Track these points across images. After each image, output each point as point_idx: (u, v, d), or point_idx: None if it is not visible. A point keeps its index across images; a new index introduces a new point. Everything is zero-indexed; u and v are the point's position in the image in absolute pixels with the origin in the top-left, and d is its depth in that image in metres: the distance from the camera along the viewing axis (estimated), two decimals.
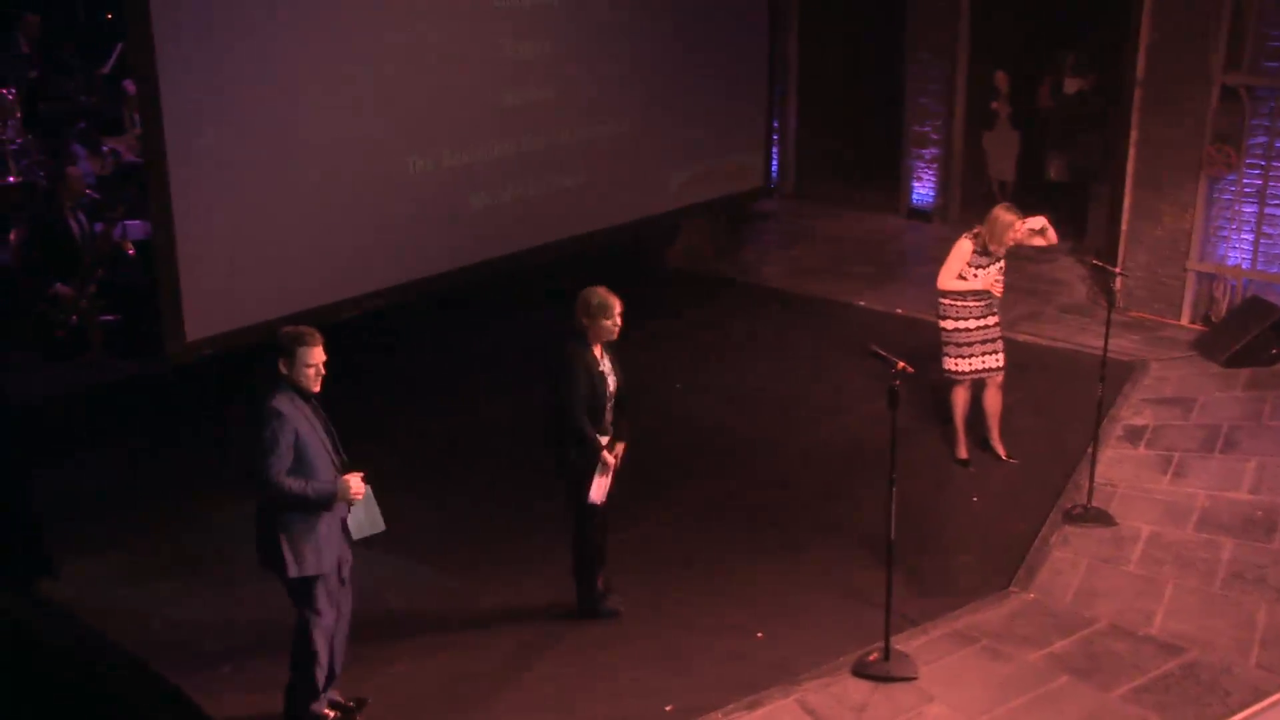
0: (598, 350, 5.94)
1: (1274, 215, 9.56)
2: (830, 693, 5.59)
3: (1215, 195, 9.82)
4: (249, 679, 5.70)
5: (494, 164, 9.42)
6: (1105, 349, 7.25)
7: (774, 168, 13.08)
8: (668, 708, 5.54)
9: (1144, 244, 10.18)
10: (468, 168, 9.24)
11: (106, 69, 11.33)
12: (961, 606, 6.31)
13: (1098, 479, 7.29)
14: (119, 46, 10.87)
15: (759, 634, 6.11)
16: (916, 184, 13.25)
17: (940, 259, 7.70)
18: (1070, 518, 7.09)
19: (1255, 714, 4.94)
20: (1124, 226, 10.24)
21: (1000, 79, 12.43)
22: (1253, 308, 9.48)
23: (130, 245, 8.60)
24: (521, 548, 6.87)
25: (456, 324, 9.95)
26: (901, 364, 5.52)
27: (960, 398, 7.78)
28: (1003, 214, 7.39)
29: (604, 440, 5.96)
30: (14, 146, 9.82)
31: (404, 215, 8.84)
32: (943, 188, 13.07)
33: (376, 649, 5.92)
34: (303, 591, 5.16)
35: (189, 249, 7.53)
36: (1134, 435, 8.16)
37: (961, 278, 7.44)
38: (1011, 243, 7.44)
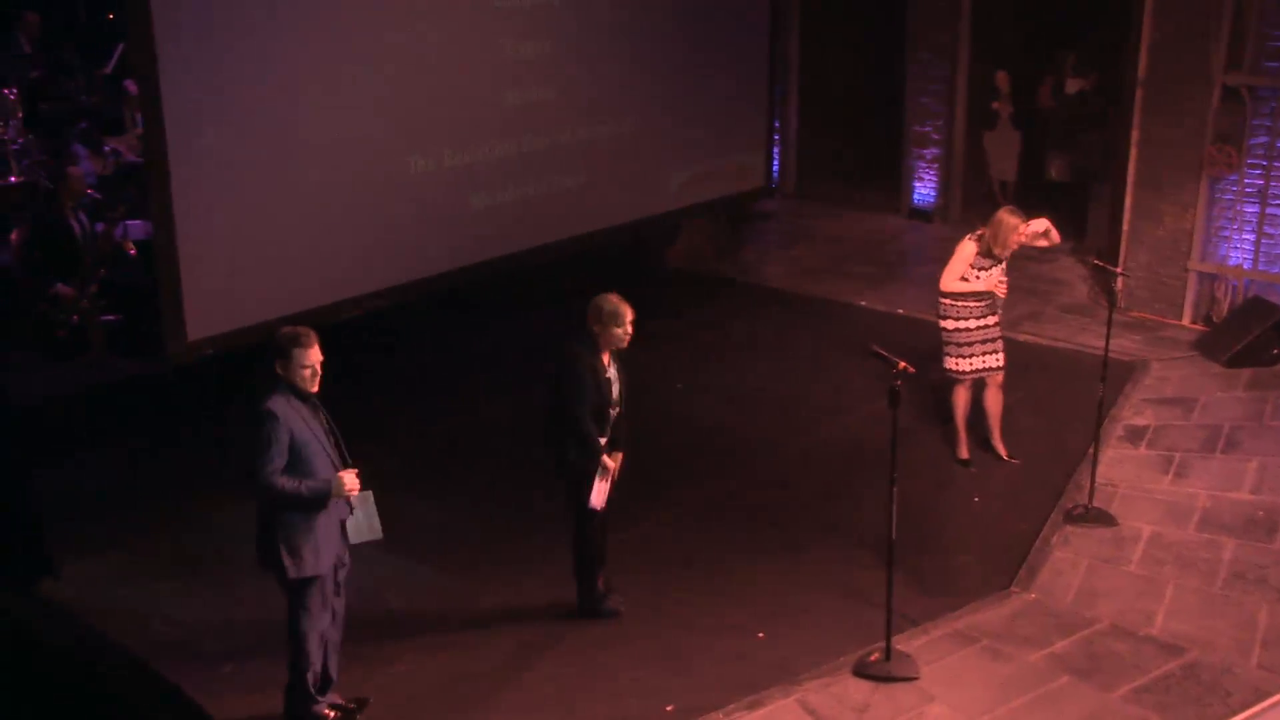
0: (605, 357, 5.94)
1: (1275, 215, 9.56)
2: (831, 693, 5.59)
3: (1216, 195, 9.82)
4: (249, 679, 5.70)
5: (495, 164, 9.42)
6: (1106, 349, 7.25)
7: (775, 168, 13.07)
8: (668, 708, 5.54)
9: (1145, 244, 10.17)
10: (468, 168, 9.24)
11: (108, 69, 11.33)
12: (962, 606, 6.30)
13: (1099, 479, 7.29)
14: (120, 46, 10.88)
15: (760, 634, 6.11)
16: (917, 184, 13.25)
17: (941, 259, 7.70)
18: (1071, 518, 7.09)
19: (1256, 714, 4.94)
20: (1125, 226, 10.24)
21: (1001, 79, 12.43)
22: (1254, 308, 9.48)
23: (131, 245, 8.61)
24: (521, 548, 6.87)
25: (456, 324, 9.95)
26: (902, 364, 5.52)
27: (961, 397, 7.78)
28: (1006, 217, 7.39)
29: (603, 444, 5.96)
30: (15, 146, 9.83)
31: (405, 215, 8.84)
32: (944, 188, 13.07)
33: (377, 649, 5.92)
34: (299, 592, 5.16)
35: (190, 249, 7.53)
36: (1135, 435, 8.15)
37: (964, 279, 7.44)
38: (1015, 246, 7.44)
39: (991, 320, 7.54)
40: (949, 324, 7.57)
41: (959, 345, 7.58)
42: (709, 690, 5.62)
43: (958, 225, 12.09)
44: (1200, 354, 9.40)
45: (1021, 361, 8.70)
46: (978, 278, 7.44)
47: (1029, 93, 12.57)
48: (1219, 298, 9.92)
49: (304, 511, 5.05)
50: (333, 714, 5.39)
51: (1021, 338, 9.63)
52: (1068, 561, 6.69)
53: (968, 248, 7.45)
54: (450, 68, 8.92)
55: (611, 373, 5.96)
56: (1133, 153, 10.09)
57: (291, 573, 5.08)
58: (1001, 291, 7.52)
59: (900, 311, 10.55)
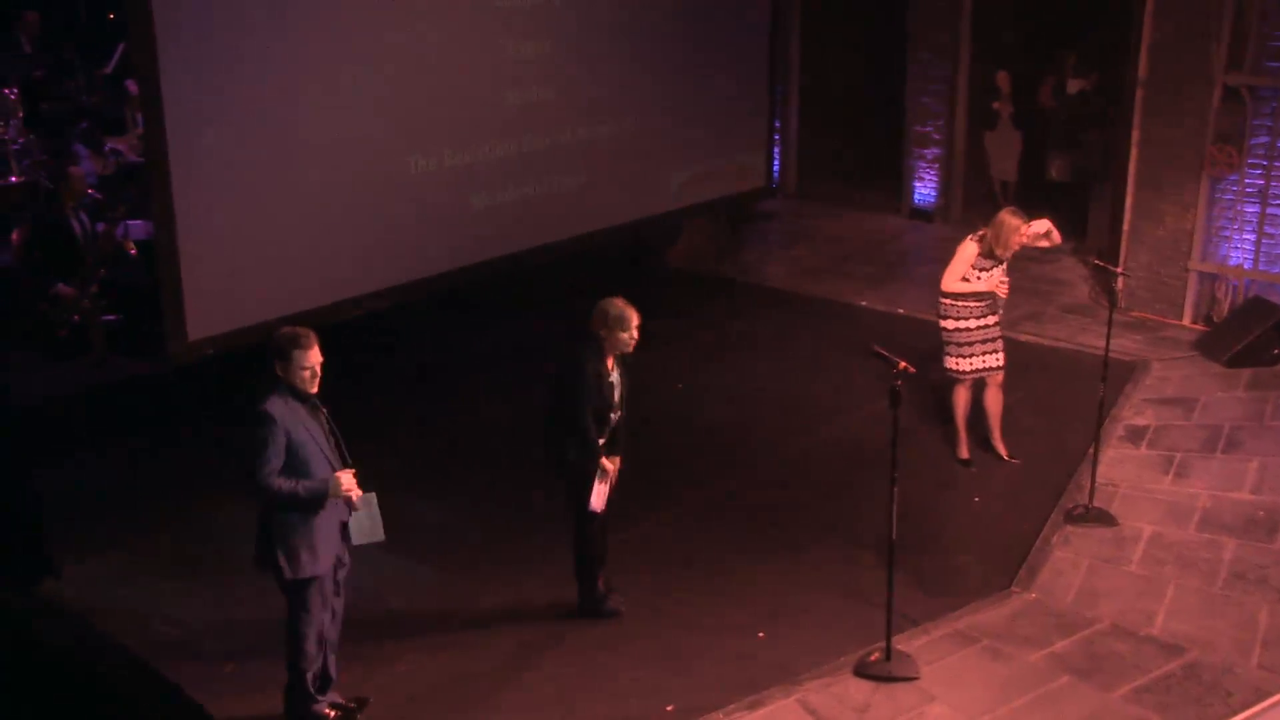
0: (609, 361, 5.93)
1: (1276, 215, 9.56)
2: (831, 693, 5.59)
3: (1217, 195, 9.82)
4: (249, 679, 5.70)
5: (495, 164, 9.42)
6: (1107, 349, 7.25)
7: (775, 168, 13.07)
8: (669, 708, 5.54)
9: (1146, 244, 10.17)
10: (469, 168, 9.24)
11: (108, 69, 11.33)
12: (963, 606, 6.30)
13: (1099, 479, 7.29)
14: (121, 46, 10.88)
15: (760, 634, 6.11)
16: (918, 184, 13.25)
17: (942, 259, 7.70)
18: (1072, 518, 7.09)
19: (1257, 714, 4.93)
20: (1126, 226, 10.24)
21: (1002, 79, 12.43)
22: (1254, 308, 9.48)
23: (132, 245, 8.61)
24: (521, 548, 6.87)
25: (456, 324, 9.96)
26: (903, 364, 5.52)
27: (961, 397, 7.78)
28: (1008, 218, 7.38)
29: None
30: (16, 146, 9.83)
31: (405, 215, 8.84)
32: (944, 188, 13.07)
33: (377, 649, 5.93)
34: (297, 593, 5.16)
35: (191, 249, 7.53)
36: (1135, 435, 8.15)
37: (965, 280, 7.44)
38: (1017, 247, 7.44)
39: (991, 320, 7.54)
40: (949, 324, 7.57)
41: (959, 345, 7.57)
42: (709, 690, 5.62)
43: (958, 225, 12.09)
44: (1201, 354, 9.40)
45: (1022, 361, 8.69)
46: (979, 278, 7.43)
47: (1030, 93, 12.57)
48: (1219, 298, 9.92)
49: (301, 512, 5.05)
50: (333, 713, 5.39)
51: (1022, 338, 9.64)
52: (1068, 561, 6.68)
53: (969, 248, 7.45)
54: (451, 68, 8.93)
55: (614, 377, 5.96)
56: (1133, 153, 10.09)
57: (287, 574, 5.09)
58: (1003, 292, 7.52)
59: (901, 311, 10.55)
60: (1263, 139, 9.49)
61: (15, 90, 10.07)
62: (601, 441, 5.95)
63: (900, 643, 5.81)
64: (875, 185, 13.73)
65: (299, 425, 5.02)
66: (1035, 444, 8.04)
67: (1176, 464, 7.70)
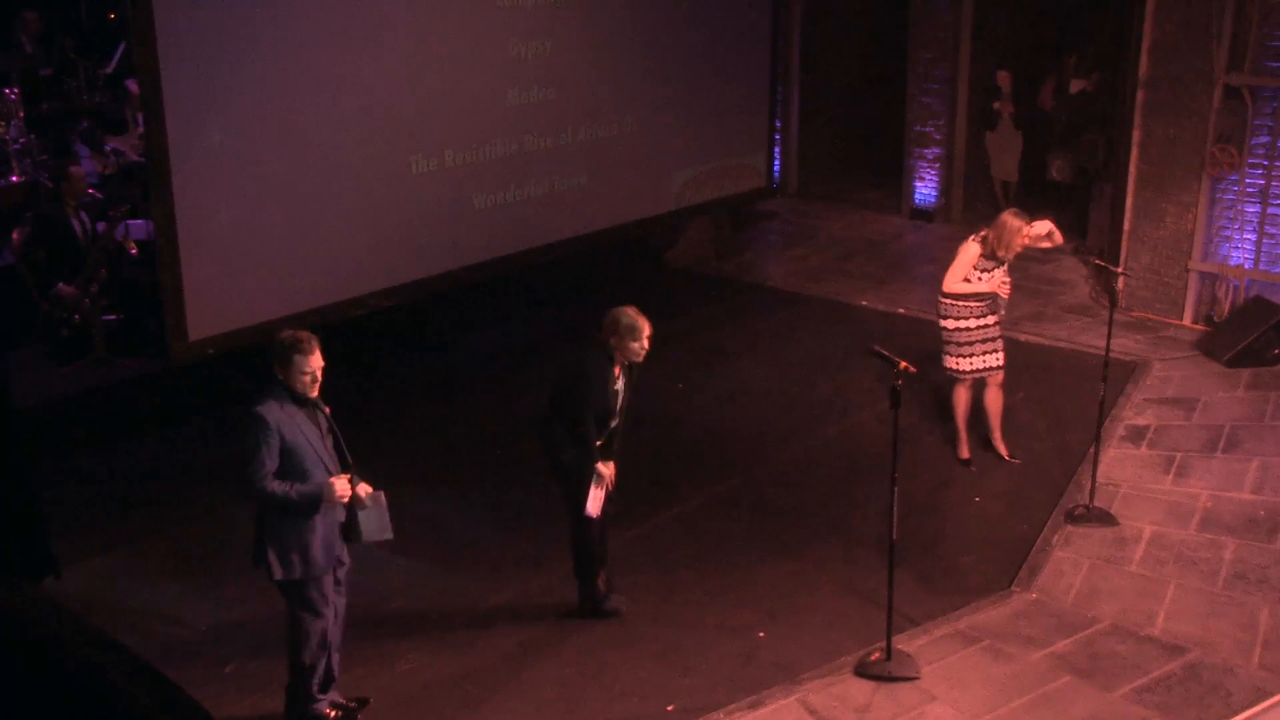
0: (617, 369, 5.93)
1: (1276, 215, 9.55)
2: (832, 693, 5.59)
3: (1218, 195, 9.81)
4: (249, 679, 5.71)
5: (497, 164, 9.42)
6: (1108, 349, 7.25)
7: (776, 168, 13.07)
8: (669, 708, 5.54)
9: (1146, 244, 10.17)
10: (470, 167, 9.24)
11: (109, 68, 11.33)
12: (963, 606, 6.30)
13: (1100, 479, 7.29)
14: (122, 45, 10.88)
15: (761, 634, 6.11)
16: (919, 184, 13.25)
17: (943, 259, 7.70)
18: (1072, 518, 7.09)
19: (1257, 714, 4.92)
20: (1126, 226, 10.23)
21: (1003, 79, 12.43)
22: (1255, 308, 9.48)
23: (133, 245, 8.61)
24: (522, 548, 6.87)
25: (457, 324, 9.96)
26: (904, 364, 5.52)
27: (962, 397, 7.77)
28: (1011, 220, 7.38)
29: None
30: (17, 146, 9.82)
31: (407, 215, 8.84)
32: (945, 188, 13.07)
33: (378, 648, 5.93)
34: (294, 593, 5.17)
35: (191, 249, 7.53)
36: (1136, 435, 8.15)
37: (967, 281, 7.44)
38: (1019, 248, 7.43)
39: (991, 320, 7.54)
40: (949, 323, 7.57)
41: (959, 345, 7.57)
42: (710, 690, 5.63)
43: (959, 225, 12.11)
44: (1201, 354, 9.40)
45: (1023, 361, 8.69)
46: (981, 279, 7.43)
47: (1031, 93, 12.57)
48: (1220, 298, 9.92)
49: (295, 515, 5.05)
50: (334, 713, 5.39)
51: (1023, 338, 9.64)
52: (1069, 561, 6.68)
53: (971, 249, 7.45)
54: (452, 67, 8.92)
55: (620, 385, 5.96)
56: (1134, 153, 10.08)
57: (277, 574, 5.09)
58: (1005, 292, 7.52)
59: (902, 311, 10.55)
60: (1263, 139, 9.49)
61: (16, 90, 10.07)
62: (599, 444, 5.95)
63: (901, 643, 5.81)
64: (876, 185, 13.74)
65: (295, 429, 5.02)
66: (1036, 444, 8.04)
67: (1177, 464, 7.70)
